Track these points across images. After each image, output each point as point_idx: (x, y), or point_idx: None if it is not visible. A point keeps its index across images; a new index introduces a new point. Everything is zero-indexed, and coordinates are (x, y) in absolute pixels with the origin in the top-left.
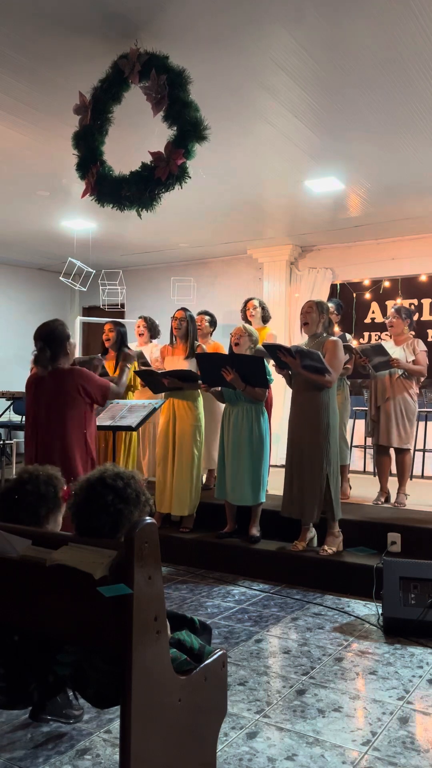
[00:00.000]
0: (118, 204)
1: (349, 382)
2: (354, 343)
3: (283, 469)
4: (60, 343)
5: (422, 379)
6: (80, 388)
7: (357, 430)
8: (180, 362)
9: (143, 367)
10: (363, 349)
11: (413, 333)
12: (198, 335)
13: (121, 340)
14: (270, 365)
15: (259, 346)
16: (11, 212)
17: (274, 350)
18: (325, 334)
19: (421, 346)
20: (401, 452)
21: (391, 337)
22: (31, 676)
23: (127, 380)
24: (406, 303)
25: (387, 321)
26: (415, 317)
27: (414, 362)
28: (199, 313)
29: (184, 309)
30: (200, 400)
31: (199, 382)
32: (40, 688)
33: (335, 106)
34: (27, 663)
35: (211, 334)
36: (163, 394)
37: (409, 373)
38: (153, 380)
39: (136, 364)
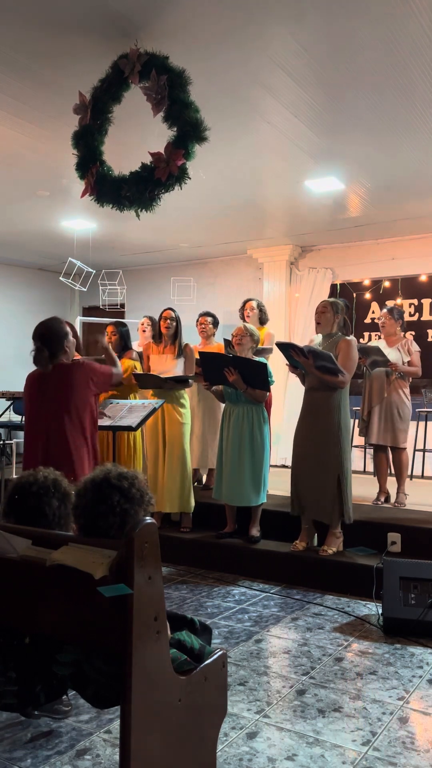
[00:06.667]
0: (118, 204)
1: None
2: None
3: (283, 469)
4: (58, 341)
5: (411, 378)
6: (90, 382)
7: (356, 430)
8: (169, 361)
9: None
10: (360, 347)
11: (404, 333)
12: (201, 336)
13: (124, 341)
14: (284, 364)
15: (262, 344)
16: (11, 212)
17: (288, 349)
18: (339, 334)
19: (415, 347)
20: (397, 451)
21: (380, 337)
22: (38, 678)
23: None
24: (406, 303)
25: (379, 321)
26: (414, 317)
27: (409, 363)
28: (202, 314)
29: (171, 309)
30: (187, 397)
31: (190, 381)
32: (45, 689)
33: (335, 106)
34: (34, 664)
35: (214, 335)
36: (151, 392)
37: (404, 374)
38: (149, 382)
39: (137, 364)
